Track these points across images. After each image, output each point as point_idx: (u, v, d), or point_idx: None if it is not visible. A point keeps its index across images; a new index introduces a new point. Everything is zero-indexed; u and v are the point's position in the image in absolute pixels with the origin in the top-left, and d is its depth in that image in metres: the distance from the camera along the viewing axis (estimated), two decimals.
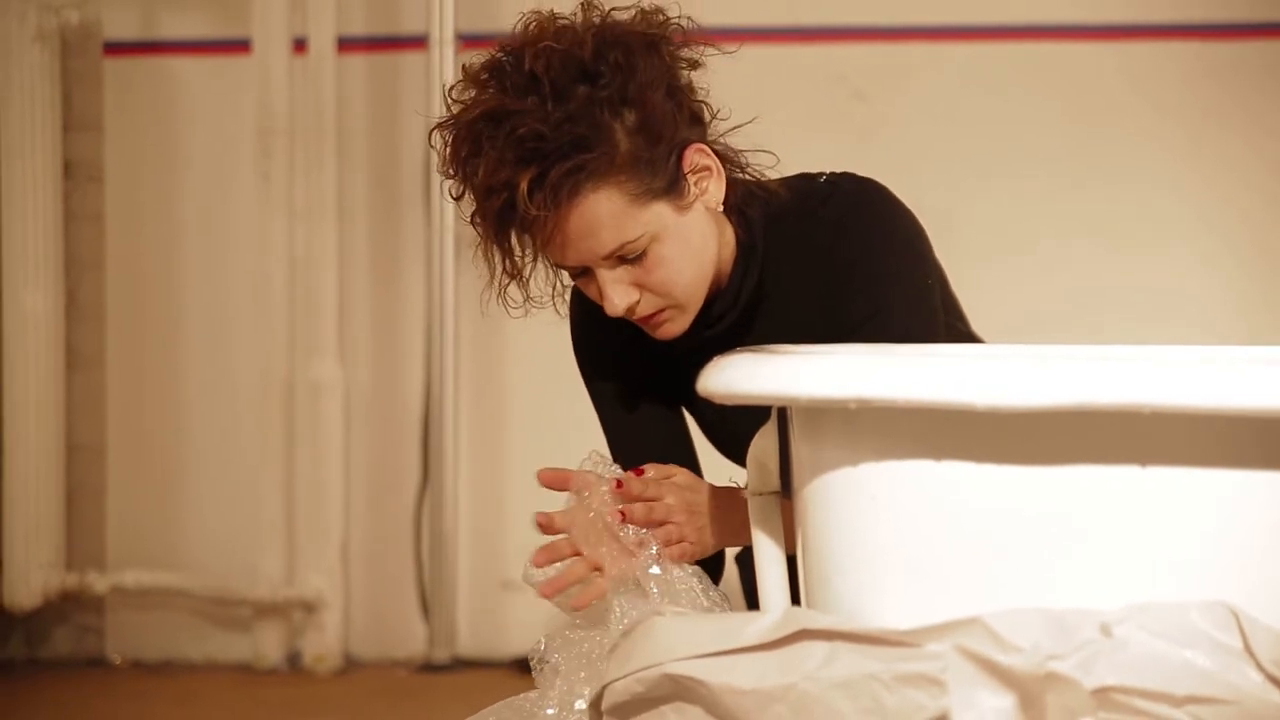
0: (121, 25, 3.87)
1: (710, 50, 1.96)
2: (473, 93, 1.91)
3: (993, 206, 3.66)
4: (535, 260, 1.97)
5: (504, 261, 1.95)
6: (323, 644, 3.78)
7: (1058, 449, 1.52)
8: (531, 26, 1.91)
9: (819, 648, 1.52)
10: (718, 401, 1.69)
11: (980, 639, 1.48)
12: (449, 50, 3.68)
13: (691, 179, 1.92)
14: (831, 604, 1.65)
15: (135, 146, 3.87)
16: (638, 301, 1.94)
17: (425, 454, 3.80)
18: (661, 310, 1.96)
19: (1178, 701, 1.45)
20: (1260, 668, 1.46)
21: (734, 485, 2.01)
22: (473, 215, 1.93)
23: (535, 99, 1.85)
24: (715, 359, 1.72)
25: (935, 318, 2.03)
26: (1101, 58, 3.72)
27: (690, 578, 1.97)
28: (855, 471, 1.61)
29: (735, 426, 2.01)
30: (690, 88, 1.95)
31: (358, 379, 3.85)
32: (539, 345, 3.83)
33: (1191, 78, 3.70)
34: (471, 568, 3.82)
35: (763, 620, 1.56)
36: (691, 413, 2.18)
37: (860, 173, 2.08)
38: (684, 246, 1.93)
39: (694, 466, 2.14)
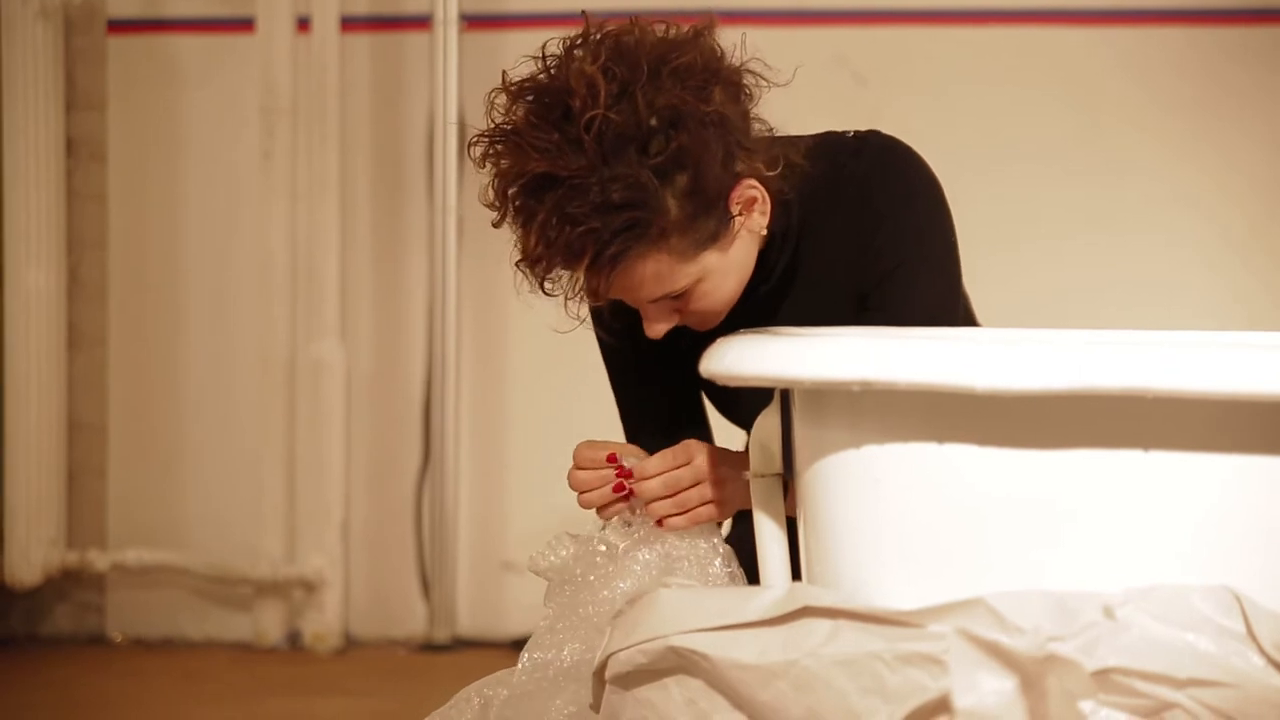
0: (125, 3, 3.87)
1: (759, 80, 1.91)
2: (517, 110, 1.85)
3: (990, 192, 3.66)
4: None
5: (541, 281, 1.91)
6: (323, 623, 3.78)
7: (1060, 432, 1.53)
8: (578, 49, 1.85)
9: (822, 625, 1.52)
10: (721, 383, 1.69)
11: (982, 620, 1.48)
12: (452, 30, 3.68)
13: (737, 211, 1.89)
14: (833, 584, 1.66)
15: (138, 125, 3.87)
16: (675, 325, 1.94)
17: (426, 434, 3.80)
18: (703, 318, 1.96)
19: (1179, 684, 1.46)
20: (1262, 651, 1.46)
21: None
22: (515, 245, 1.88)
23: (584, 163, 1.79)
24: (718, 340, 1.73)
25: (958, 272, 2.02)
26: (1100, 43, 3.72)
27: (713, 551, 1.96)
28: (858, 454, 1.61)
29: (752, 404, 2.02)
30: (744, 118, 1.89)
31: (359, 359, 3.85)
32: (540, 326, 3.83)
33: (1190, 64, 3.70)
34: (471, 548, 3.83)
35: (766, 596, 1.56)
36: (708, 391, 2.18)
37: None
38: (726, 278, 1.91)
39: (707, 439, 2.14)
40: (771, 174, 1.90)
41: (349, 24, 3.81)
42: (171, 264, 3.88)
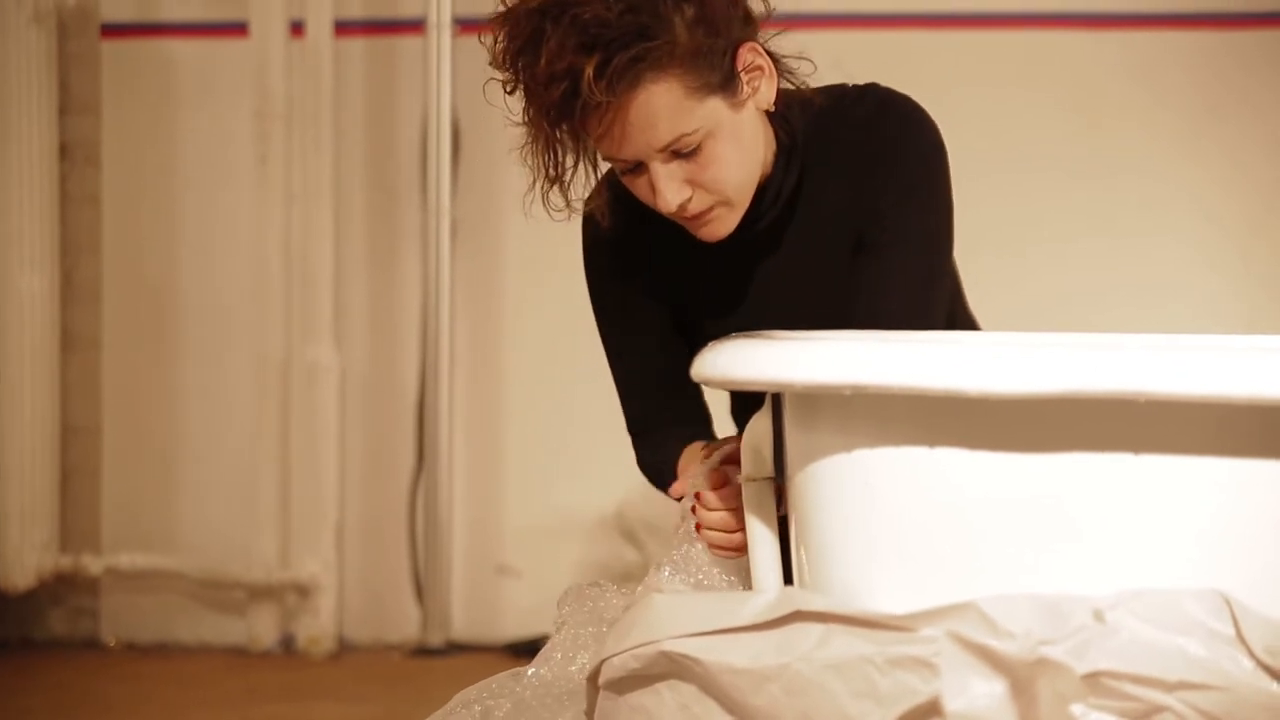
0: (118, 7, 3.87)
1: None
2: None
3: (993, 195, 3.66)
4: (578, 163, 1.95)
5: (551, 161, 1.93)
6: (317, 627, 3.78)
7: (1051, 436, 1.53)
8: None
9: (813, 629, 1.52)
10: (712, 387, 1.69)
11: (973, 624, 1.48)
12: (446, 34, 3.69)
13: (745, 77, 1.94)
14: (825, 588, 1.66)
15: (132, 129, 3.87)
16: (689, 199, 1.94)
17: (420, 438, 3.80)
18: (710, 209, 1.97)
19: (1169, 687, 1.46)
20: (1252, 655, 1.46)
21: None
22: (525, 110, 1.91)
23: None
24: (710, 344, 1.73)
25: (950, 213, 2.05)
26: (1101, 46, 3.73)
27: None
28: (849, 457, 1.61)
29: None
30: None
31: (353, 362, 3.85)
32: (534, 329, 3.84)
33: (1191, 67, 3.70)
34: (466, 552, 3.83)
35: (758, 601, 1.56)
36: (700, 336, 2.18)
37: None
38: (736, 144, 1.94)
39: (699, 402, 2.16)
40: (775, 58, 1.97)
41: (343, 28, 3.81)
42: (166, 267, 3.88)
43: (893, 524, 1.60)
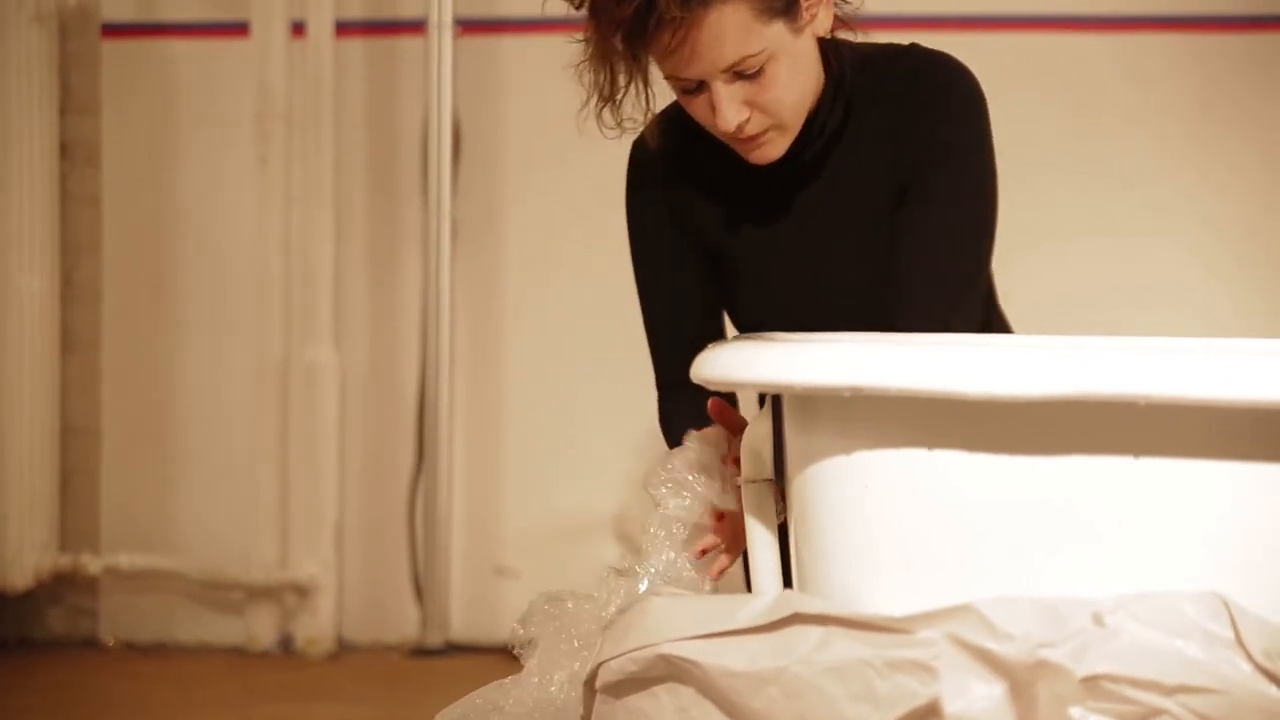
0: (119, 7, 3.87)
1: None
2: None
3: None
4: (631, 83, 1.99)
5: (607, 79, 1.98)
6: (315, 627, 3.78)
7: (1050, 439, 1.53)
8: None
9: (812, 632, 1.52)
10: (712, 388, 1.69)
11: (972, 626, 1.48)
12: (447, 35, 3.69)
13: (805, 4, 1.99)
14: (824, 591, 1.66)
15: (132, 129, 3.87)
16: (747, 120, 1.99)
17: (420, 438, 3.80)
18: (765, 131, 2.01)
19: (1168, 691, 1.46)
20: (1250, 658, 1.46)
21: None
22: (589, 26, 1.95)
23: None
24: (710, 346, 1.73)
25: (994, 171, 2.10)
26: (1099, 49, 3.72)
27: None
28: (848, 459, 1.61)
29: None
30: None
31: (353, 363, 3.85)
32: (535, 330, 3.84)
33: (1190, 70, 3.70)
34: (465, 552, 3.83)
35: (757, 603, 1.56)
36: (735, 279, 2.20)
37: None
38: (795, 68, 1.99)
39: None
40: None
41: (344, 29, 3.81)
42: (166, 268, 3.88)
43: (892, 526, 1.60)
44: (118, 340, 3.89)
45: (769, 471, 1.84)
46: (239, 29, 3.80)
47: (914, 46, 2.15)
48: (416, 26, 3.74)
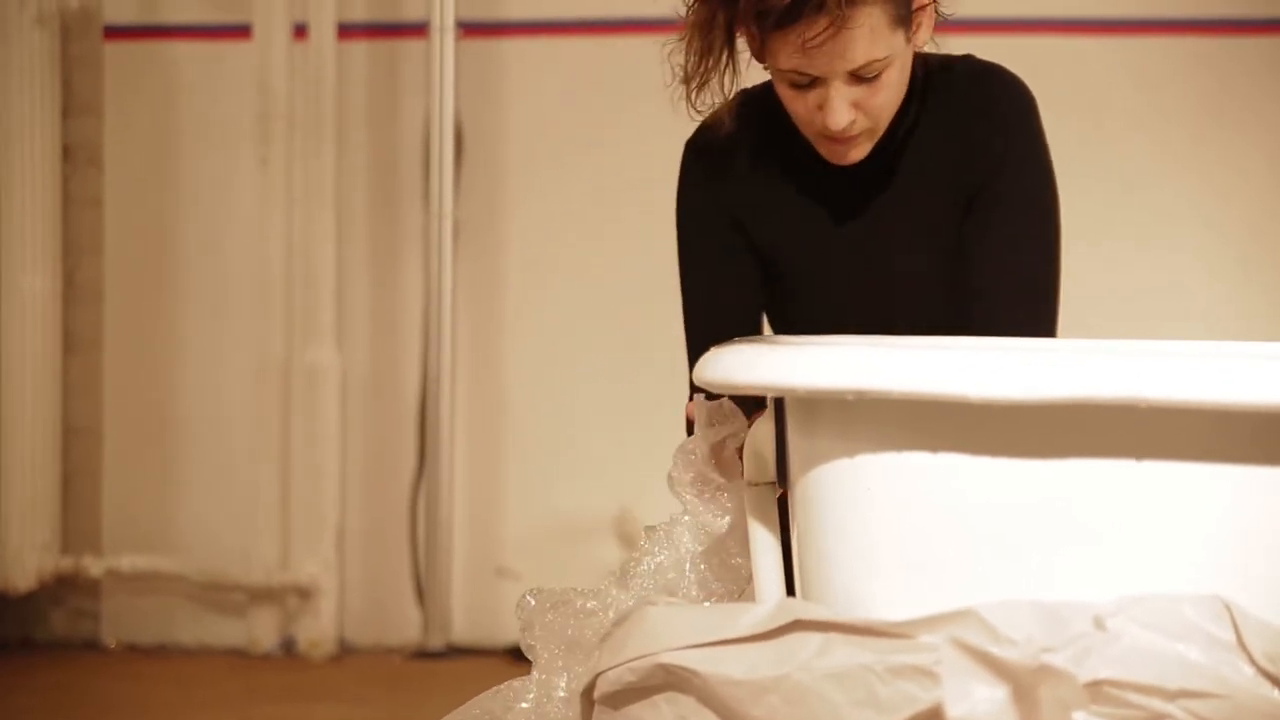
0: (122, 10, 3.87)
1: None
2: None
3: None
4: (725, 70, 2.01)
5: (711, 63, 2.00)
6: (317, 629, 3.78)
7: (1053, 442, 1.52)
8: None
9: (813, 639, 1.52)
10: (714, 391, 1.69)
11: (974, 631, 1.48)
12: (449, 38, 3.68)
13: (917, 16, 2.02)
14: (826, 595, 1.66)
15: (135, 131, 3.87)
16: (853, 122, 2.01)
17: (421, 440, 3.80)
18: (860, 134, 2.04)
19: (1170, 695, 1.46)
20: (1253, 661, 1.46)
21: None
22: (703, 12, 1.97)
23: None
24: (712, 349, 1.73)
25: (1052, 176, 2.17)
26: (1103, 52, 3.72)
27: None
28: (851, 463, 1.61)
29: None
30: None
31: (355, 364, 3.85)
32: (536, 332, 3.84)
33: (1193, 73, 3.70)
34: (467, 554, 3.83)
35: (757, 611, 1.56)
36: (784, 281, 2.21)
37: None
38: (901, 77, 2.03)
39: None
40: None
41: (346, 31, 3.81)
42: (167, 269, 3.88)
43: (894, 529, 1.59)
44: (119, 341, 3.89)
45: (771, 475, 1.84)
46: (241, 31, 3.80)
47: (968, 57, 2.17)
48: (418, 29, 3.74)
